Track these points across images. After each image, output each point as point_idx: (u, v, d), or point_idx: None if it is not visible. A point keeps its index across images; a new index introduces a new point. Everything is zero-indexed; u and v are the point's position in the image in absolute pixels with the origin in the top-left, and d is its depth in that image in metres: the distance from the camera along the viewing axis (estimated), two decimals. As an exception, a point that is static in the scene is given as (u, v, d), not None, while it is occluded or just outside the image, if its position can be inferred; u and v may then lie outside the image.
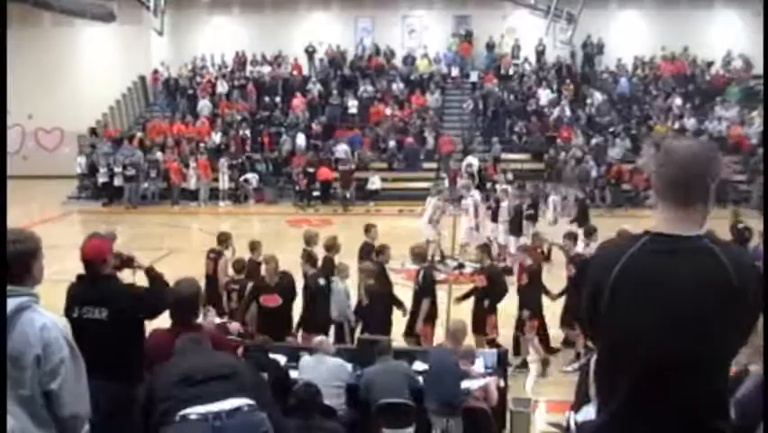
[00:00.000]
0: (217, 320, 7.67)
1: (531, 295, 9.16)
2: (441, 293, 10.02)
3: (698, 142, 2.26)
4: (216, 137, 24.51)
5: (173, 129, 25.17)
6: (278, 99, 26.33)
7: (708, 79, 25.79)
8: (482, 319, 8.97)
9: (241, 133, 24.47)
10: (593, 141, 23.14)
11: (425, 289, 8.89)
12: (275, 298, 8.41)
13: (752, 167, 20.57)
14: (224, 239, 10.14)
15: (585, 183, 21.05)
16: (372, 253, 9.51)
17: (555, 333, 9.70)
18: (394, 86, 26.45)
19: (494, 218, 14.44)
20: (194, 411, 3.03)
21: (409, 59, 27.60)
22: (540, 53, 27.14)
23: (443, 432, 6.43)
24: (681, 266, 2.13)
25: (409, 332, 8.91)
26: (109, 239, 5.01)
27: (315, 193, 22.37)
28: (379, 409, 6.42)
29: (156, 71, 27.74)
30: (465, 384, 6.64)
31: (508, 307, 9.41)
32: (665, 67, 26.14)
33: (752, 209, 18.41)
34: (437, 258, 14.27)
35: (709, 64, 26.11)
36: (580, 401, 4.52)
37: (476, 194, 15.20)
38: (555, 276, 10.50)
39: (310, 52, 27.73)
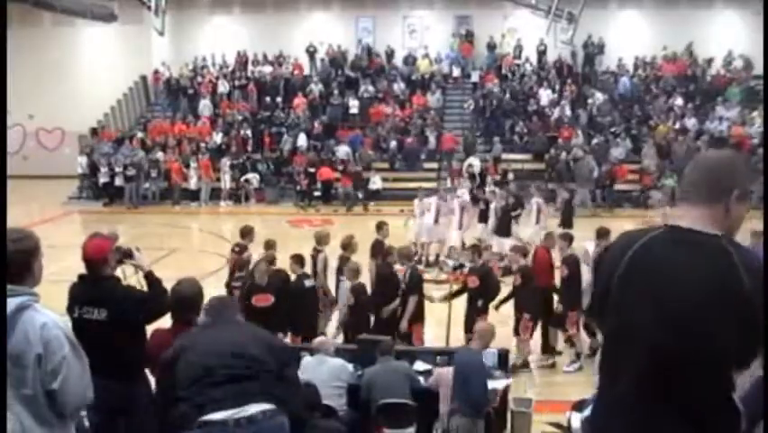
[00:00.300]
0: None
1: (525, 296, 9.14)
2: (441, 293, 10.02)
3: (731, 154, 2.39)
4: (217, 137, 24.52)
5: (174, 129, 25.18)
6: (279, 99, 26.33)
7: (709, 79, 25.78)
8: (473, 319, 8.99)
9: (242, 133, 24.48)
10: (594, 141, 23.13)
11: (412, 287, 8.88)
12: (267, 297, 8.35)
13: (752, 167, 20.54)
14: (247, 232, 10.16)
15: (589, 182, 21.06)
16: (384, 251, 9.55)
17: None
18: (395, 86, 26.45)
19: (483, 219, 14.42)
20: (214, 417, 3.02)
21: (410, 59, 27.60)
22: (541, 53, 27.14)
23: (444, 432, 6.44)
24: (690, 259, 2.16)
25: (396, 332, 8.89)
26: (111, 239, 5.00)
27: (317, 193, 22.38)
28: (379, 409, 6.42)
29: (157, 71, 27.75)
30: (490, 385, 6.64)
31: (505, 307, 9.39)
32: (666, 67, 26.13)
33: (752, 209, 18.41)
34: (440, 258, 14.30)
35: (709, 61, 26.08)
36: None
37: (464, 194, 15.16)
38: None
39: (311, 52, 27.74)
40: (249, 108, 26.03)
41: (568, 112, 24.39)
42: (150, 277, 4.79)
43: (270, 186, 23.12)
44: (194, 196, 22.80)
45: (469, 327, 8.93)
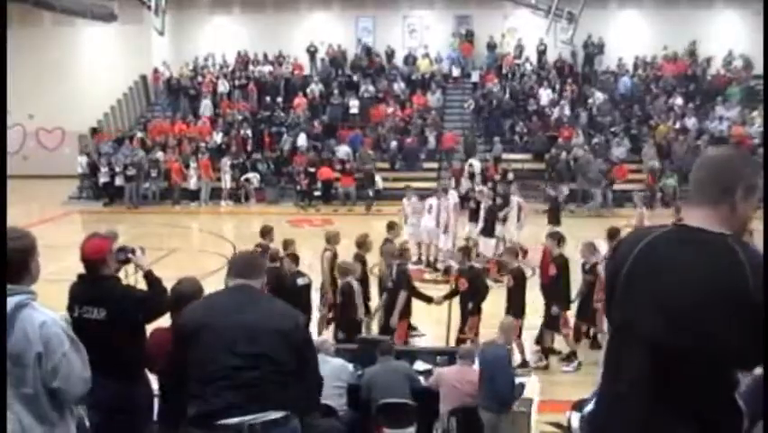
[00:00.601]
0: None
1: (516, 297, 9.12)
2: (441, 293, 10.00)
3: (736, 151, 2.36)
4: (217, 137, 24.52)
5: (174, 129, 25.18)
6: (279, 99, 26.33)
7: (709, 79, 25.78)
8: (465, 321, 8.99)
9: (242, 132, 24.48)
10: (594, 140, 23.13)
11: (399, 284, 8.89)
12: None
13: (755, 161, 20.53)
14: (267, 231, 10.23)
15: (599, 182, 21.08)
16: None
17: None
18: (395, 85, 26.45)
19: (474, 219, 14.39)
20: (228, 422, 3.01)
21: (410, 59, 27.60)
22: (541, 53, 27.14)
23: (444, 432, 6.44)
24: (694, 258, 2.15)
25: (385, 328, 8.90)
26: (109, 239, 4.99)
27: (317, 193, 22.39)
28: (379, 408, 6.43)
29: (156, 70, 27.74)
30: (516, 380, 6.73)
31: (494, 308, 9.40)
32: (666, 66, 26.13)
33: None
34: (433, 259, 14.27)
35: (708, 60, 26.06)
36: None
37: (453, 196, 15.05)
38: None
39: (312, 52, 27.75)
40: (249, 108, 26.04)
41: (567, 112, 24.39)
42: (149, 276, 4.79)
43: (271, 186, 23.12)
44: (194, 196, 22.80)
45: (460, 329, 9.00)
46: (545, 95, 25.23)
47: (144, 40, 26.70)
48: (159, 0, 23.14)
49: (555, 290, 9.30)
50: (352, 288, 8.73)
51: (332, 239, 9.88)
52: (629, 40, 26.66)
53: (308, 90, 26.24)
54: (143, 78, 28.22)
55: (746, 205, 2.24)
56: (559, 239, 9.59)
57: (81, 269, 4.73)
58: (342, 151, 23.16)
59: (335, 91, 26.10)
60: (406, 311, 9.06)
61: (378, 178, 22.44)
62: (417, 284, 9.88)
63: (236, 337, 3.18)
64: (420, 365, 7.33)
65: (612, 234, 9.48)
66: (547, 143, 23.38)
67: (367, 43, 28.03)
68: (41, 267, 3.45)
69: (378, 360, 6.80)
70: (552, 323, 9.32)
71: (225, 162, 22.90)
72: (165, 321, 4.58)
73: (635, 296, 2.22)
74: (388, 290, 9.01)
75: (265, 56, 27.83)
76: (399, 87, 26.39)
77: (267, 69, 27.42)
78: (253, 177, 22.97)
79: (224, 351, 3.16)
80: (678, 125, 23.42)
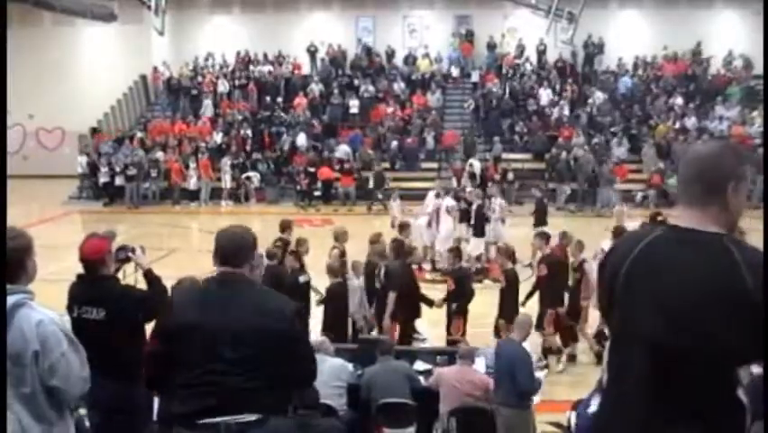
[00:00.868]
0: None
1: (509, 299, 9.10)
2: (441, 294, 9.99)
3: (716, 142, 2.30)
4: (218, 137, 24.52)
5: (174, 129, 25.18)
6: (279, 99, 26.33)
7: (710, 79, 25.78)
8: (450, 321, 9.00)
9: (242, 132, 24.48)
10: (594, 140, 23.13)
11: (387, 284, 8.85)
12: None
13: (752, 161, 20.54)
14: (286, 225, 10.27)
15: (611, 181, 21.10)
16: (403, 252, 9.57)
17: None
18: (395, 85, 26.45)
19: (466, 219, 14.35)
20: (204, 422, 2.96)
21: (410, 59, 27.60)
22: (541, 53, 27.13)
23: (444, 432, 6.44)
24: (693, 260, 2.15)
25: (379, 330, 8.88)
26: (108, 239, 4.99)
27: (317, 193, 22.38)
28: (379, 408, 6.42)
29: (156, 69, 27.73)
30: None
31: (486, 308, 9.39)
32: (666, 66, 26.12)
33: (752, 209, 18.41)
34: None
35: (708, 59, 26.06)
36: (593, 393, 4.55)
37: (448, 199, 14.85)
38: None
39: (312, 52, 27.75)
40: (249, 108, 26.03)
41: (567, 112, 24.39)
42: (149, 275, 4.79)
43: (271, 185, 23.12)
44: (194, 196, 22.80)
45: (448, 330, 9.01)
46: (545, 95, 25.23)
47: (144, 40, 26.70)
48: (159, 0, 23.15)
49: (546, 290, 9.26)
50: (341, 288, 8.73)
51: (340, 237, 9.91)
52: (629, 40, 26.66)
53: (308, 90, 26.24)
54: (143, 77, 28.21)
55: (738, 198, 2.22)
56: (547, 239, 9.54)
57: (81, 269, 4.73)
58: (342, 150, 23.15)
59: (335, 91, 26.09)
60: (413, 313, 8.99)
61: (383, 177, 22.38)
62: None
63: (222, 341, 3.01)
64: (420, 365, 7.33)
65: (617, 232, 9.46)
66: (547, 143, 23.37)
67: (367, 43, 28.02)
68: (41, 267, 3.45)
69: (378, 360, 6.80)
70: (538, 322, 9.27)
71: (225, 162, 22.90)
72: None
73: (634, 297, 2.22)
74: (377, 292, 8.96)
75: (265, 56, 27.82)
76: (399, 86, 26.39)
77: (267, 68, 27.41)
78: (254, 175, 22.97)
79: (208, 355, 3.02)
80: (678, 125, 23.42)
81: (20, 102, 22.67)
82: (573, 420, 5.34)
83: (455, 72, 27.28)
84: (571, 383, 8.60)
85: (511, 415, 6.34)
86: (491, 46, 27.35)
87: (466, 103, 26.08)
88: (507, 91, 25.59)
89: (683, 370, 2.12)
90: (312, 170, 22.44)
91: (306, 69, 27.73)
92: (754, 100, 23.82)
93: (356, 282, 9.08)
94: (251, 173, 23.03)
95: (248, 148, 24.14)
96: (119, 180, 22.76)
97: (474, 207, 13.98)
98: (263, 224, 21.20)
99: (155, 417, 4.45)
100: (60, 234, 15.87)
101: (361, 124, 25.08)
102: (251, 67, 27.68)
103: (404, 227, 10.82)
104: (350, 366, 6.89)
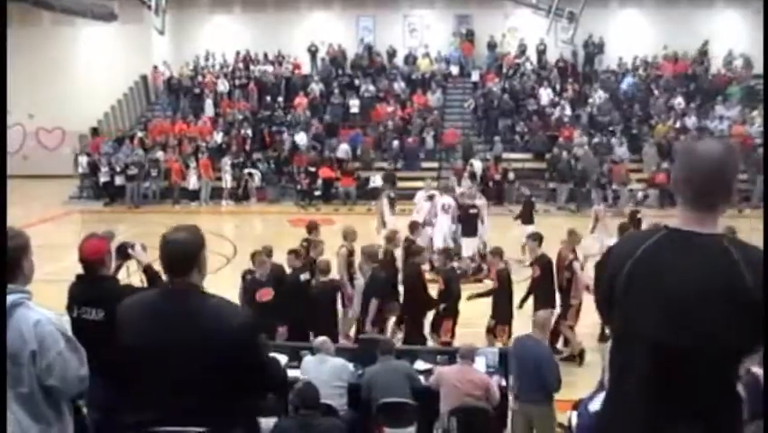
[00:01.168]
0: None
1: (501, 300, 9.07)
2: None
3: (717, 143, 2.27)
4: (218, 137, 24.53)
5: (175, 128, 25.18)
6: (280, 99, 26.33)
7: (710, 78, 25.76)
8: (439, 322, 8.98)
9: (242, 132, 24.49)
10: (595, 140, 23.12)
11: (370, 291, 8.83)
12: (268, 292, 8.46)
13: (753, 161, 20.51)
14: (313, 226, 10.32)
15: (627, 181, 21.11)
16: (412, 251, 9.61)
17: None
18: (395, 85, 26.44)
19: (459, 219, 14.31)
20: (157, 430, 2.88)
21: (410, 59, 27.60)
22: (541, 53, 27.12)
23: (444, 431, 6.43)
24: (692, 261, 2.16)
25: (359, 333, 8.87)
26: (107, 239, 4.98)
27: (317, 192, 22.39)
28: (380, 408, 6.43)
29: (156, 68, 27.72)
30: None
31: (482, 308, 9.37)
32: (666, 66, 26.10)
33: (752, 208, 18.38)
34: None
35: (704, 53, 26.05)
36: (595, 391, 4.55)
37: (445, 198, 14.76)
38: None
39: (312, 51, 27.74)
40: (249, 108, 26.03)
41: (568, 111, 24.38)
42: (149, 271, 4.78)
43: (271, 185, 23.12)
44: (194, 195, 22.80)
45: (434, 328, 9.01)
46: (546, 94, 25.21)
47: (144, 39, 26.69)
48: (159, -1, 23.16)
49: (539, 291, 9.22)
50: (330, 288, 8.73)
51: (348, 236, 9.95)
52: (630, 39, 26.63)
53: (309, 90, 26.23)
54: (143, 77, 28.20)
55: (734, 197, 2.26)
56: (540, 240, 9.52)
57: (81, 269, 4.73)
58: (341, 150, 23.14)
59: (336, 91, 26.09)
60: (421, 312, 8.99)
61: (376, 177, 22.37)
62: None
63: (167, 359, 2.89)
64: (420, 365, 7.33)
65: (624, 229, 9.46)
66: (548, 143, 23.36)
67: (369, 43, 28.01)
68: (41, 267, 3.45)
69: (378, 359, 6.80)
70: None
71: (226, 162, 22.91)
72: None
73: (636, 297, 2.23)
74: (363, 296, 8.96)
75: (265, 55, 27.81)
76: (400, 86, 26.38)
77: (267, 68, 27.41)
78: (255, 173, 22.96)
79: (155, 373, 2.93)
80: (678, 125, 23.40)
81: (20, 102, 22.69)
82: (574, 420, 5.34)
83: (456, 72, 27.26)
84: (571, 383, 8.57)
85: (538, 411, 6.48)
86: (492, 46, 27.34)
87: (466, 103, 26.07)
88: (508, 91, 25.57)
89: (685, 369, 2.13)
90: (312, 169, 22.44)
91: (306, 69, 27.71)
92: (755, 100, 23.79)
93: (362, 282, 9.12)
94: (252, 170, 23.04)
95: (248, 148, 24.14)
96: (119, 180, 22.76)
97: (464, 206, 13.90)
98: (264, 223, 21.27)
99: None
100: (60, 235, 15.87)
101: (361, 123, 25.07)
102: (252, 66, 27.67)
103: (414, 227, 10.81)
104: (350, 366, 6.89)
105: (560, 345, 9.75)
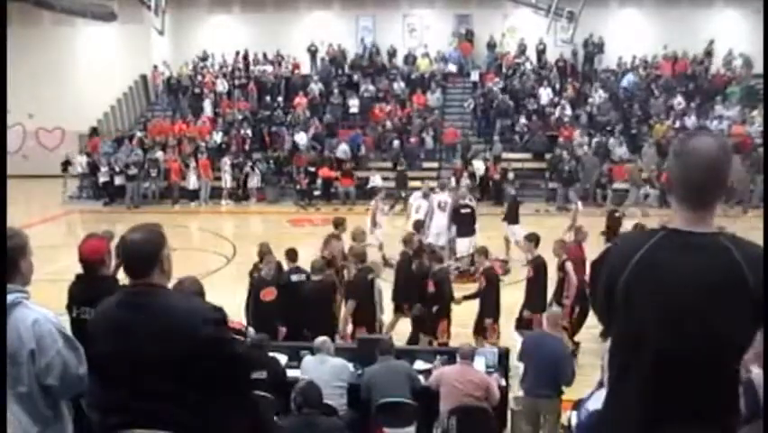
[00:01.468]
0: None
1: (489, 299, 9.05)
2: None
3: (714, 142, 2.23)
4: (217, 137, 24.52)
5: (174, 128, 25.17)
6: (279, 99, 26.33)
7: (710, 78, 25.76)
8: (434, 324, 8.96)
9: (242, 132, 24.49)
10: (594, 139, 23.12)
11: (347, 293, 8.83)
12: (272, 291, 8.49)
13: (753, 161, 20.51)
14: (339, 222, 10.38)
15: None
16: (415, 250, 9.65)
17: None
18: (395, 85, 26.44)
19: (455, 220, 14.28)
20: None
21: (410, 59, 27.59)
22: (541, 52, 27.12)
23: (444, 431, 6.44)
24: (694, 262, 2.16)
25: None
26: (106, 239, 4.98)
27: (317, 192, 22.39)
28: (379, 408, 6.43)
29: (156, 67, 27.71)
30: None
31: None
32: (666, 66, 26.10)
33: (752, 208, 18.39)
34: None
35: (709, 53, 26.06)
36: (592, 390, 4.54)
37: (441, 196, 14.69)
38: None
39: (312, 51, 27.74)
40: (249, 108, 26.03)
41: (568, 111, 24.37)
42: None
43: (271, 185, 23.12)
44: (194, 195, 22.80)
45: (426, 330, 9.01)
46: (545, 94, 25.20)
47: (144, 39, 26.71)
48: (158, -1, 23.17)
49: (532, 293, 9.20)
50: (324, 287, 8.70)
51: (357, 237, 10.00)
52: (629, 39, 26.63)
53: (308, 90, 26.22)
54: (143, 77, 28.21)
55: (725, 192, 2.28)
56: (536, 240, 9.49)
57: (80, 269, 4.72)
58: (341, 150, 23.14)
59: (335, 91, 26.09)
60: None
61: (376, 177, 22.36)
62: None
63: (139, 368, 2.82)
64: (420, 365, 7.33)
65: (609, 233, 9.45)
66: (547, 143, 23.36)
67: (369, 43, 27.99)
68: (41, 267, 3.44)
69: (378, 359, 6.80)
70: (526, 326, 9.19)
71: (225, 162, 22.90)
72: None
73: (636, 299, 2.22)
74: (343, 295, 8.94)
75: (265, 55, 27.81)
76: (399, 86, 26.38)
77: (267, 68, 27.40)
78: (256, 170, 22.93)
79: (121, 380, 2.87)
80: (678, 125, 23.39)
81: (20, 102, 22.69)
82: (574, 420, 5.35)
83: (455, 71, 27.25)
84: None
85: (550, 405, 6.61)
86: (491, 45, 27.33)
87: (466, 102, 26.05)
88: (507, 91, 25.56)
89: (685, 370, 2.13)
90: (312, 169, 22.44)
91: (305, 69, 27.71)
92: (754, 99, 23.78)
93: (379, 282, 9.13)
94: (252, 166, 23.05)
95: (247, 148, 24.14)
96: (119, 180, 22.74)
97: (456, 206, 13.86)
98: (264, 223, 21.27)
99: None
100: (61, 234, 15.87)
101: (361, 123, 25.07)
102: (251, 66, 27.68)
103: (419, 226, 10.80)
104: (350, 366, 6.89)
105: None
